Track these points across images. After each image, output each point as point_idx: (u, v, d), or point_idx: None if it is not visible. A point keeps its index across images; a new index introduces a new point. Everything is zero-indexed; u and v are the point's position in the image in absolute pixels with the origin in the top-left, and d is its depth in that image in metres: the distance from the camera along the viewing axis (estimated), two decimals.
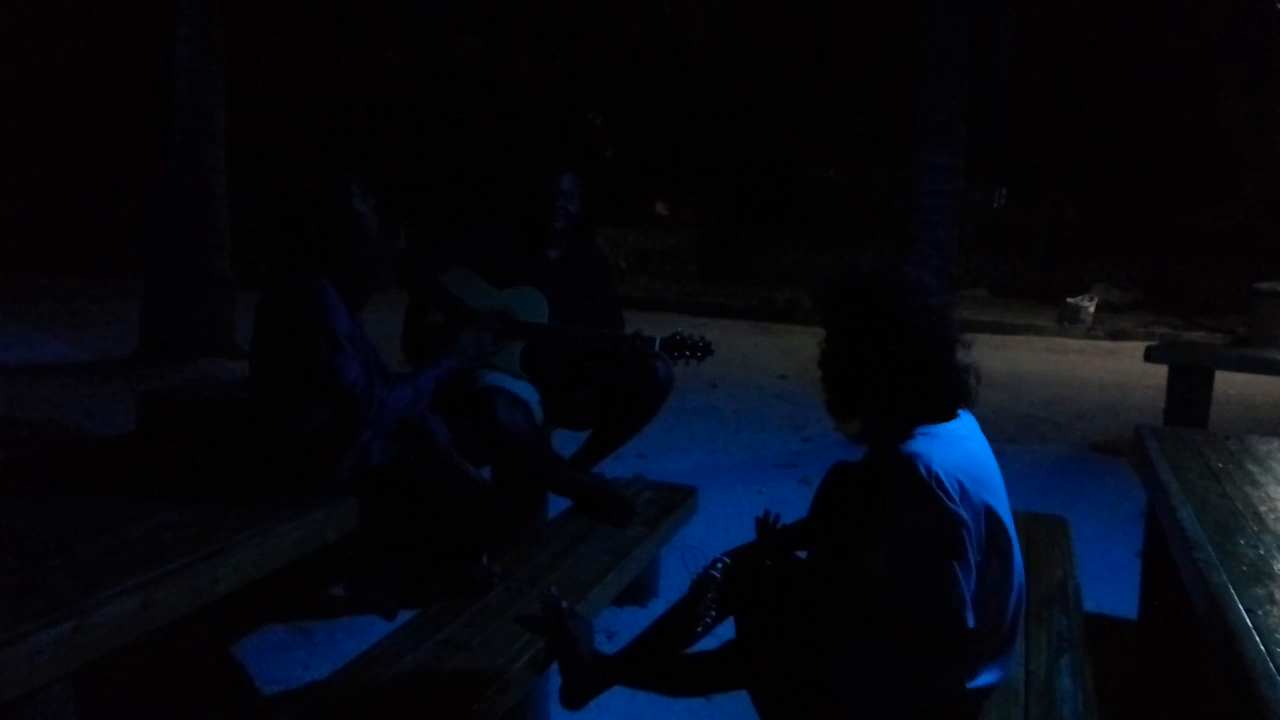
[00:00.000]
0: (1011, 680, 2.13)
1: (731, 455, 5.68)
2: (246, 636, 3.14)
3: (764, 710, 2.10)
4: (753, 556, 2.24)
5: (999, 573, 1.89)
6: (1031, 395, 7.60)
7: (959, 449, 1.87)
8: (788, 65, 15.98)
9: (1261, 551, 2.23)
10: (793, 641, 2.03)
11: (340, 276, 2.75)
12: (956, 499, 1.79)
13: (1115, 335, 11.31)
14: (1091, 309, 11.82)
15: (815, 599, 2.04)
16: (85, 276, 11.70)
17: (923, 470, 1.79)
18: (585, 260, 3.81)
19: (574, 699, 2.38)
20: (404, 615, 2.86)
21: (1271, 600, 1.93)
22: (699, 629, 2.15)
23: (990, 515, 1.86)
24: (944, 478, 1.79)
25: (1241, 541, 2.30)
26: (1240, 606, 1.90)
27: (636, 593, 3.43)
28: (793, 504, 3.12)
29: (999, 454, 2.04)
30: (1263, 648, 1.72)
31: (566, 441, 3.88)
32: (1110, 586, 3.70)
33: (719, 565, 2.20)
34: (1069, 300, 11.90)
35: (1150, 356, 5.95)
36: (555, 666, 2.46)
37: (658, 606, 3.40)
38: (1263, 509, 2.57)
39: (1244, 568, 2.12)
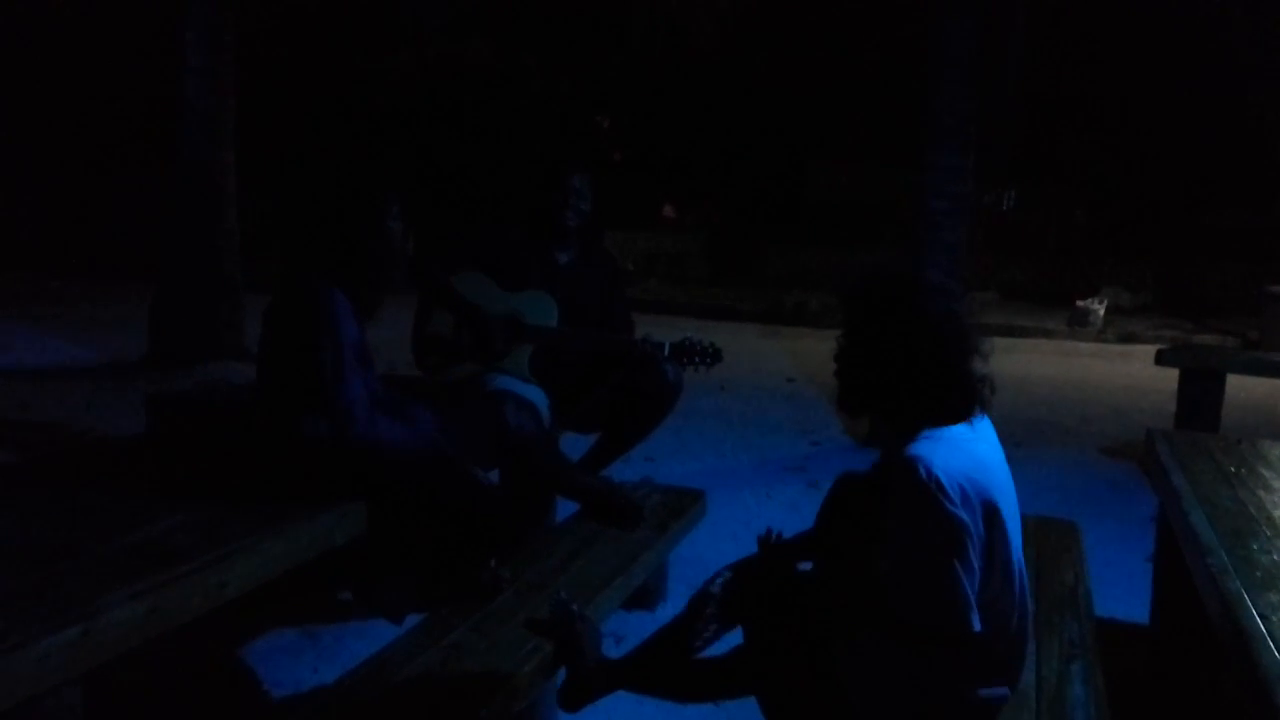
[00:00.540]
0: (1023, 686, 2.12)
1: (740, 459, 5.67)
2: (255, 640, 3.14)
3: (773, 717, 2.09)
4: (758, 566, 2.23)
5: (1001, 579, 1.88)
6: (1041, 399, 7.57)
7: (964, 452, 1.86)
8: (795, 67, 15.97)
9: (1275, 557, 2.22)
10: (802, 647, 2.02)
11: (354, 286, 2.74)
12: (957, 502, 1.79)
13: (1125, 338, 11.27)
14: (1101, 312, 11.77)
15: (825, 604, 2.03)
16: (95, 279, 11.74)
17: (923, 473, 1.79)
18: (595, 264, 3.81)
19: (572, 701, 2.37)
20: (412, 619, 2.85)
21: None
22: (698, 643, 2.15)
23: (993, 520, 1.85)
24: (945, 481, 1.79)
25: (1255, 546, 2.29)
26: (1254, 612, 1.88)
27: (645, 597, 3.43)
28: (801, 508, 3.14)
29: (1008, 459, 2.03)
30: (1277, 654, 1.71)
31: (575, 445, 3.87)
32: (1122, 592, 3.67)
33: (718, 581, 2.20)
34: (1078, 303, 11.85)
35: (1161, 360, 5.92)
36: (563, 670, 2.45)
37: (666, 611, 3.40)
38: (1276, 514, 2.55)
39: (1257, 573, 2.11)
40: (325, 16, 14.83)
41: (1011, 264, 14.36)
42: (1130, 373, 8.90)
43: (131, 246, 11.27)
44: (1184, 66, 13.49)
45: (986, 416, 1.99)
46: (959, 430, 1.90)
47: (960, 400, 1.92)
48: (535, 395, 3.45)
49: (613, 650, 2.62)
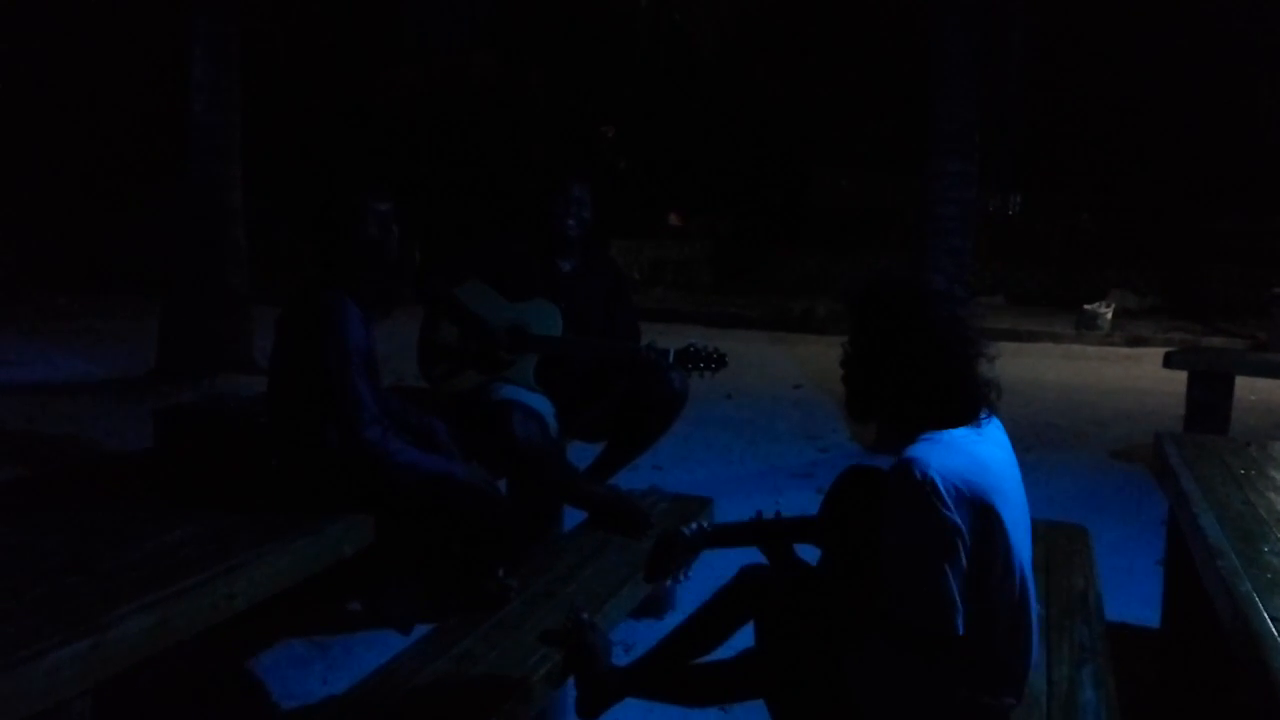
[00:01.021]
0: (1033, 691, 2.11)
1: (747, 466, 5.66)
2: (264, 651, 3.15)
3: None
4: (762, 545, 2.23)
5: (998, 582, 1.87)
6: (1049, 403, 7.55)
7: (964, 454, 1.86)
8: (799, 74, 15.99)
9: None
10: (810, 650, 2.02)
11: (360, 292, 2.76)
12: (951, 505, 1.79)
13: (1133, 341, 11.23)
14: (1109, 315, 11.74)
15: (832, 605, 2.03)
16: (104, 294, 11.78)
17: (918, 474, 1.80)
18: (599, 272, 3.81)
19: (590, 710, 2.37)
20: (421, 629, 2.86)
21: None
22: (671, 583, 2.16)
23: (991, 523, 1.84)
24: (939, 482, 1.79)
25: (1265, 548, 2.28)
26: (1265, 615, 1.87)
27: (653, 605, 3.42)
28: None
29: (1017, 463, 2.02)
30: None
31: (582, 453, 3.87)
32: (1132, 595, 3.66)
33: (694, 526, 2.27)
34: (1086, 307, 11.82)
35: (1169, 362, 5.91)
36: (572, 679, 2.45)
37: (674, 619, 3.38)
38: None
39: (1268, 575, 2.10)
40: (331, 31, 14.90)
41: (1018, 269, 14.33)
42: (1138, 376, 8.87)
43: (140, 261, 11.32)
44: (1190, 70, 13.48)
45: (996, 419, 1.99)
46: (961, 432, 1.90)
47: (964, 404, 1.92)
48: (541, 404, 3.45)
49: (621, 659, 2.62)
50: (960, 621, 1.80)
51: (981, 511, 1.83)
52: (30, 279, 12.24)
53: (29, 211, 13.16)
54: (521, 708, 2.26)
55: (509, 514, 2.88)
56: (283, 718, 2.86)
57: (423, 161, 14.84)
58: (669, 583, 2.35)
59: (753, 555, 2.32)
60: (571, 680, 2.45)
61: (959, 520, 1.79)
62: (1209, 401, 5.54)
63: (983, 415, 1.95)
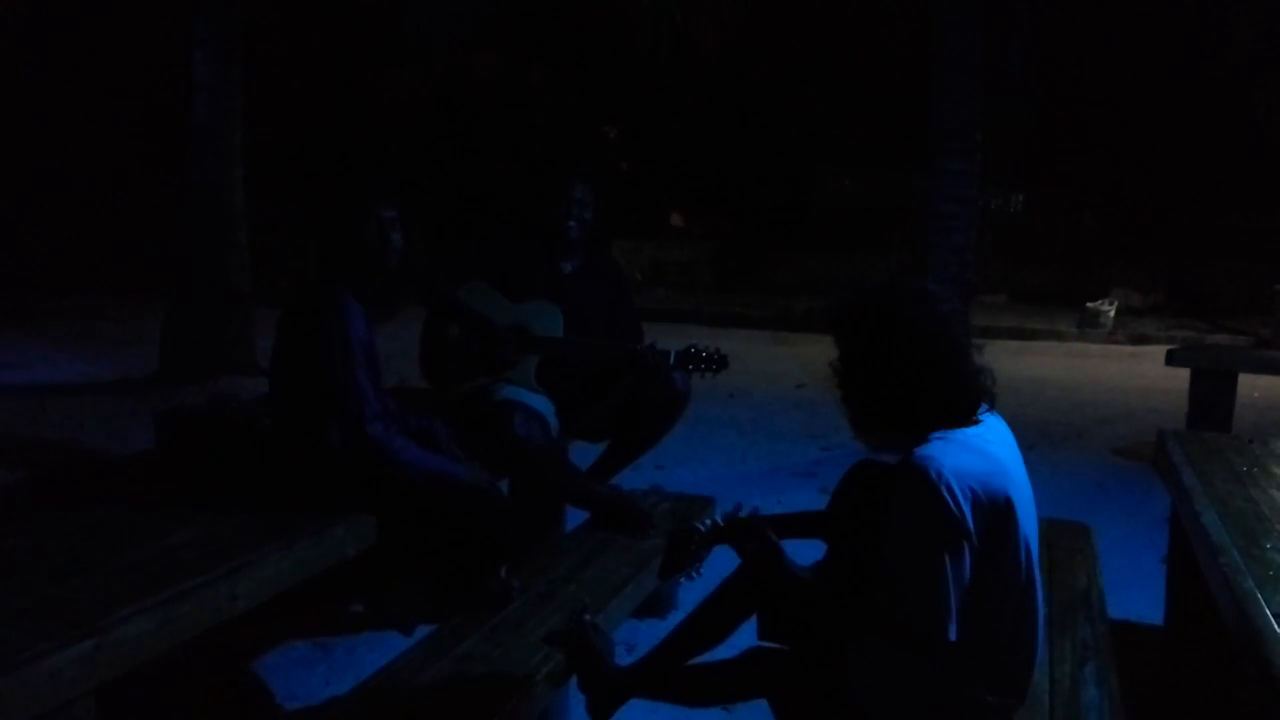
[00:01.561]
0: (1036, 689, 2.11)
1: (750, 465, 5.66)
2: (267, 653, 3.15)
3: (784, 719, 2.08)
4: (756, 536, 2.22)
5: (1006, 582, 1.86)
6: (1052, 401, 7.54)
7: (979, 454, 1.85)
8: (801, 74, 15.98)
9: None
10: (813, 649, 2.02)
11: (364, 291, 2.76)
12: (965, 506, 1.78)
13: (1136, 339, 11.22)
14: (1111, 313, 11.74)
15: (835, 603, 2.02)
16: (106, 296, 11.80)
17: (933, 474, 1.78)
18: (601, 273, 3.81)
19: (601, 712, 2.37)
20: (423, 629, 2.86)
21: None
22: (683, 580, 2.12)
23: (1006, 523, 1.83)
24: (954, 484, 1.78)
25: (1268, 545, 2.28)
26: (1268, 611, 1.87)
27: (655, 605, 3.42)
28: None
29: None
30: None
31: (584, 453, 3.87)
32: (1135, 593, 3.65)
33: (707, 521, 2.23)
34: (1089, 305, 11.82)
35: (1172, 360, 5.90)
36: (574, 679, 2.45)
37: (677, 619, 3.38)
38: None
39: (1270, 572, 2.10)
40: (333, 31, 14.91)
41: (1021, 267, 14.32)
42: (1141, 373, 8.87)
43: (143, 263, 11.33)
44: (1192, 67, 13.45)
45: (998, 415, 1.98)
46: (973, 431, 1.88)
47: (962, 397, 1.91)
48: (543, 405, 3.45)
49: (624, 659, 2.62)
50: (953, 628, 1.78)
51: (996, 512, 1.81)
52: (32, 281, 12.25)
53: (31, 214, 13.18)
54: (524, 707, 2.26)
55: (511, 514, 2.88)
56: (285, 719, 2.86)
57: (424, 162, 14.84)
58: (682, 579, 2.35)
59: None
60: (574, 680, 2.46)
61: (969, 524, 1.78)
62: (1211, 399, 5.53)
63: (982, 409, 1.94)
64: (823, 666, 1.98)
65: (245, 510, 2.56)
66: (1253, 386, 6.98)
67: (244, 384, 7.07)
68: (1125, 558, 4.05)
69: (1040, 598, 1.95)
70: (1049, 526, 3.22)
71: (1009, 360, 8.61)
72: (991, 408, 1.96)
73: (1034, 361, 9.42)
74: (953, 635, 1.79)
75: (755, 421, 6.62)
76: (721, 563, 2.30)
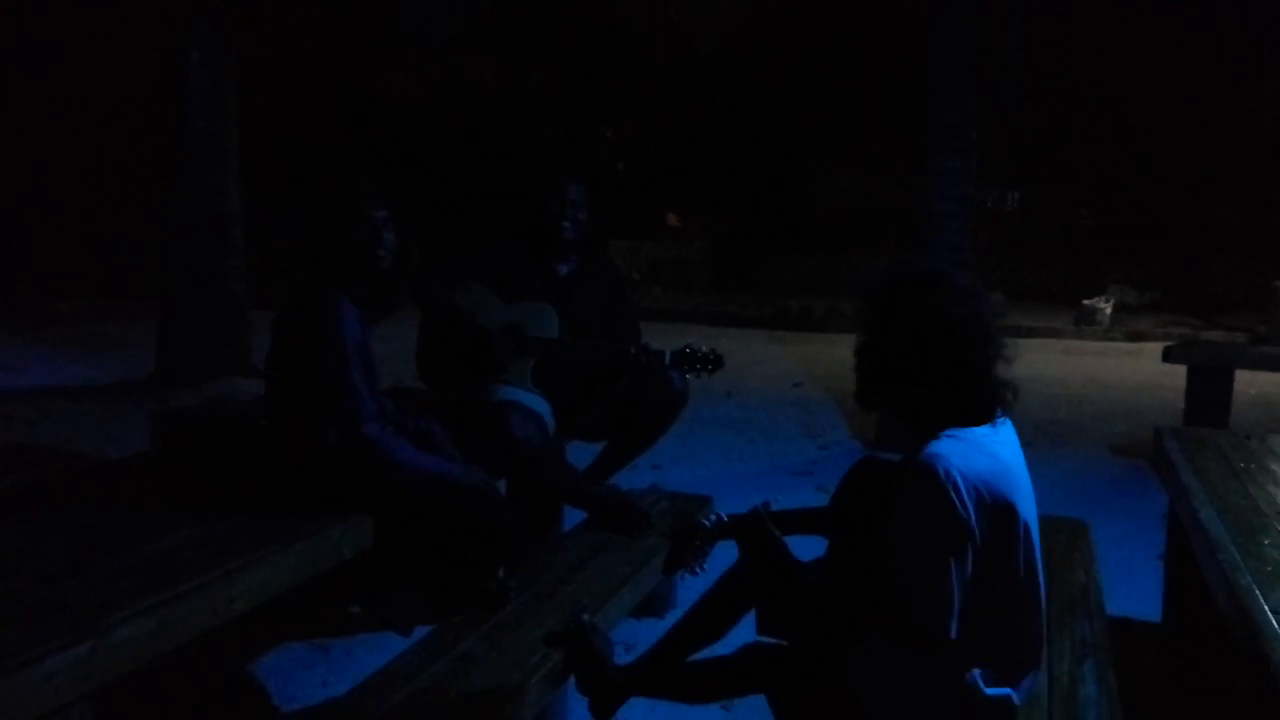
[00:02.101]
0: (1035, 686, 2.11)
1: (747, 464, 5.65)
2: (265, 654, 3.14)
3: (782, 716, 2.08)
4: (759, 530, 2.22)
5: (1009, 580, 1.86)
6: (1049, 398, 7.55)
7: (987, 455, 1.84)
8: (797, 74, 15.99)
9: None
10: (812, 645, 2.01)
11: (358, 292, 2.76)
12: (971, 507, 1.77)
13: (1133, 336, 11.23)
14: (1108, 310, 11.75)
15: (835, 600, 2.02)
16: (103, 299, 11.78)
17: (941, 473, 1.77)
18: (598, 274, 3.81)
19: (603, 712, 2.37)
20: (421, 631, 2.85)
21: None
22: (684, 577, 2.11)
23: (1011, 524, 1.83)
24: (962, 484, 1.77)
25: (1265, 542, 2.28)
26: (1265, 608, 1.87)
27: (654, 604, 3.42)
28: None
29: None
30: None
31: (581, 453, 3.87)
32: (1133, 590, 3.66)
33: (711, 517, 2.24)
34: (1085, 302, 11.82)
35: (1169, 357, 5.90)
36: (572, 680, 2.45)
37: (675, 618, 3.38)
38: None
39: (1268, 569, 2.10)
40: (328, 33, 14.90)
41: (1017, 264, 14.33)
42: (1138, 370, 8.87)
43: (140, 267, 11.30)
44: (1187, 63, 13.48)
45: (1008, 420, 1.97)
46: (983, 432, 1.88)
47: (981, 403, 1.90)
48: (539, 405, 3.45)
49: (622, 658, 2.62)
50: (954, 626, 1.78)
51: (1001, 514, 1.81)
52: (30, 284, 12.23)
53: (28, 216, 13.16)
54: (522, 708, 2.26)
55: (508, 514, 2.87)
56: None
57: (419, 164, 14.83)
58: (685, 575, 2.35)
59: None
60: (572, 680, 2.45)
61: (974, 524, 1.77)
62: (1209, 395, 5.54)
63: (998, 415, 1.93)
64: (822, 662, 1.97)
65: (242, 512, 2.55)
66: (1249, 383, 6.98)
67: (240, 386, 7.06)
68: (1123, 554, 4.05)
69: (1043, 598, 1.94)
70: (1047, 524, 3.19)
71: None
72: (1006, 414, 1.95)
73: (1030, 359, 9.35)
74: (953, 633, 1.79)
75: (752, 420, 6.62)
76: (724, 560, 2.30)
